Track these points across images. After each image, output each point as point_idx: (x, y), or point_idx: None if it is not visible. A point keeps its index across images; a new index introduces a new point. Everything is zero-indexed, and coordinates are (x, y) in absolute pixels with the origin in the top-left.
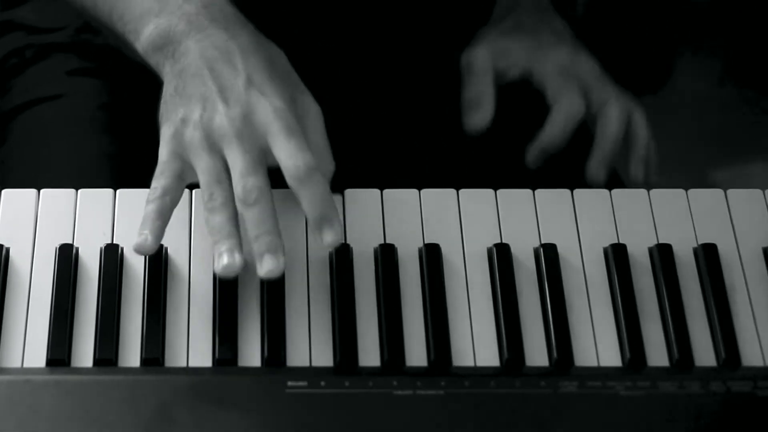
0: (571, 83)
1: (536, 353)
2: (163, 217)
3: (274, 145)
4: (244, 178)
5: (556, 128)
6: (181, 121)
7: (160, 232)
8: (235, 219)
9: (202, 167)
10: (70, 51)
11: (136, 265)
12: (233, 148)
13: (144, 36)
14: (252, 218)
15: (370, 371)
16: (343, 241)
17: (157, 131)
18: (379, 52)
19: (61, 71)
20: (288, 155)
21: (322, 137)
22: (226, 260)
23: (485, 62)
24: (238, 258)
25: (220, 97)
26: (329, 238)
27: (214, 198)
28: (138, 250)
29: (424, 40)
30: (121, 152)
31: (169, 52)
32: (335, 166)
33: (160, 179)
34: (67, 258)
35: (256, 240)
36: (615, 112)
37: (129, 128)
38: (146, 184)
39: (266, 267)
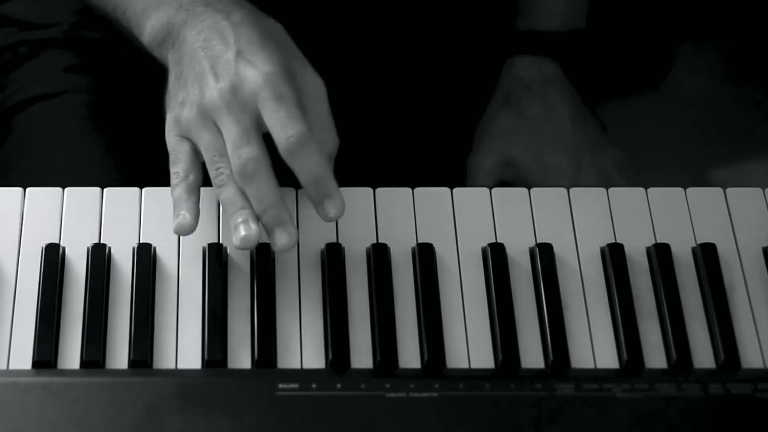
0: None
1: (532, 355)
2: (194, 195)
3: (264, 113)
4: (237, 150)
5: None
6: (180, 104)
7: (195, 207)
8: (242, 191)
9: (204, 144)
10: (66, 47)
11: (123, 265)
12: (224, 120)
13: (147, 32)
14: (253, 193)
15: (363, 373)
16: (339, 228)
17: (157, 126)
18: (372, 49)
19: (57, 68)
20: (278, 125)
21: (324, 111)
22: (243, 232)
23: (489, 175)
24: (254, 228)
25: (211, 72)
26: (332, 212)
27: (221, 171)
28: (179, 231)
29: (417, 37)
30: (121, 149)
31: (170, 44)
32: (339, 141)
33: (176, 165)
34: (53, 258)
35: (262, 215)
36: None
37: (129, 125)
38: (145, 182)
39: (279, 242)
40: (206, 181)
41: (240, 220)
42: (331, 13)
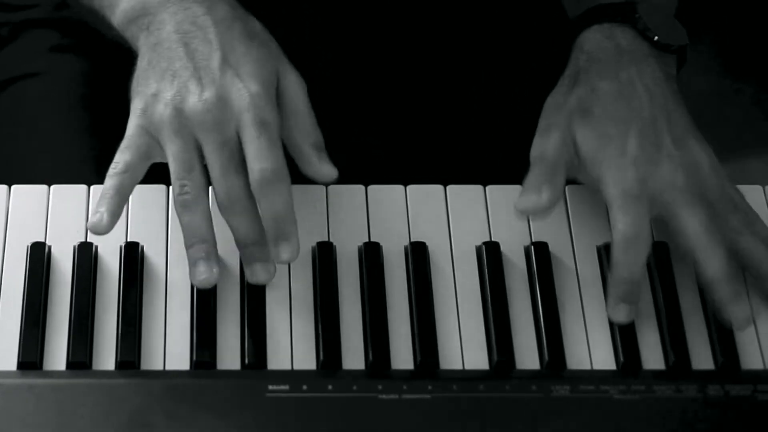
0: (627, 207)
1: (527, 356)
2: (121, 194)
3: (243, 136)
4: (225, 181)
5: (621, 272)
6: (152, 96)
7: (117, 209)
8: (209, 215)
9: (173, 152)
10: (49, 27)
11: (110, 265)
12: (208, 140)
13: (120, 9)
14: (235, 224)
15: (355, 374)
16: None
17: None
18: (366, 46)
19: (40, 48)
20: (256, 153)
21: (305, 108)
22: (204, 274)
23: (558, 152)
24: (215, 270)
25: (194, 76)
26: (285, 255)
27: (186, 191)
28: (92, 230)
29: (410, 34)
30: (105, 132)
31: (143, 24)
32: (322, 136)
33: (124, 153)
34: (39, 257)
35: (243, 249)
36: (701, 253)
37: (113, 107)
38: None
39: (257, 277)
40: None
41: (200, 256)
42: (330, 10)
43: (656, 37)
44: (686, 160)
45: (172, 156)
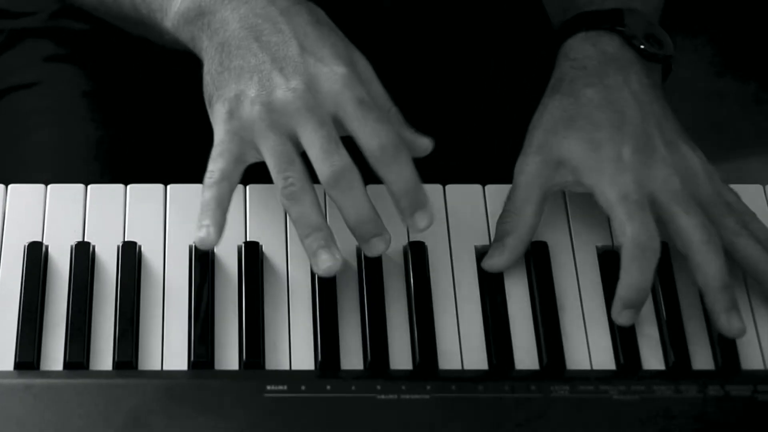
0: (633, 215)
1: (526, 356)
2: (222, 205)
3: (347, 118)
4: (329, 158)
5: (632, 279)
6: (236, 97)
7: (221, 221)
8: (318, 203)
9: (269, 147)
10: (45, 36)
11: (108, 264)
12: (304, 124)
13: (173, 11)
14: (349, 204)
15: (353, 375)
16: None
17: (144, 119)
18: (365, 45)
19: (36, 58)
20: (369, 133)
21: (379, 88)
22: (328, 262)
23: (532, 187)
24: (338, 255)
25: (275, 68)
26: (423, 223)
27: (291, 182)
28: (201, 245)
29: (410, 33)
30: (103, 142)
31: (204, 24)
32: (397, 109)
33: (217, 161)
34: (36, 256)
35: (357, 227)
36: (700, 255)
37: (111, 117)
38: (128, 176)
39: (376, 250)
40: (195, 177)
41: (320, 245)
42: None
43: (643, 46)
44: (680, 164)
45: (269, 151)
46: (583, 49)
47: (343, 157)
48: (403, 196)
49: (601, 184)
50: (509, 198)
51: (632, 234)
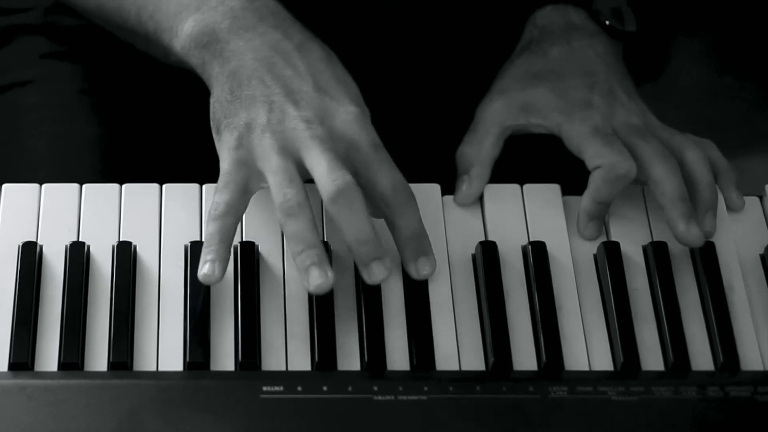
0: (610, 143)
1: (524, 357)
2: (227, 240)
3: (362, 160)
4: (333, 173)
5: (601, 194)
6: (246, 125)
7: (225, 254)
8: (314, 221)
9: (272, 167)
10: (39, 33)
11: (103, 264)
12: (313, 149)
13: (184, 33)
14: (350, 223)
15: (350, 375)
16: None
17: (140, 117)
18: (363, 44)
19: (31, 55)
20: (384, 176)
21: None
22: (318, 279)
23: (493, 122)
24: (330, 273)
25: (288, 100)
26: (426, 270)
27: (289, 198)
28: (205, 281)
29: (408, 32)
30: (100, 140)
31: (216, 51)
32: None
33: (223, 193)
34: (30, 256)
35: (356, 247)
36: (661, 169)
37: (107, 115)
38: (127, 175)
39: (375, 277)
40: (192, 176)
41: (312, 261)
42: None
43: (608, 22)
44: (639, 112)
45: (271, 170)
46: (551, 18)
47: (347, 176)
48: (409, 242)
49: (570, 122)
50: (470, 131)
51: (612, 160)
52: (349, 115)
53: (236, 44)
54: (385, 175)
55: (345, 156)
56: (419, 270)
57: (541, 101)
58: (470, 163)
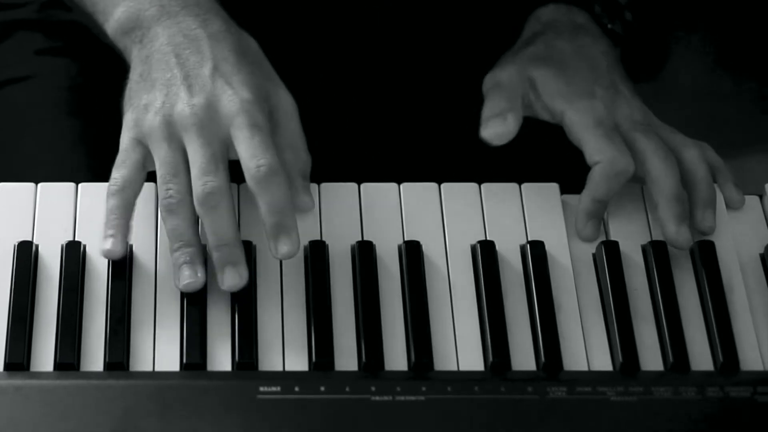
0: (611, 138)
1: (523, 357)
2: (126, 214)
3: (236, 139)
4: (204, 176)
5: (600, 191)
6: (144, 107)
7: (126, 230)
8: (194, 220)
9: (160, 157)
10: (36, 29)
11: (99, 264)
12: (193, 140)
13: (113, 18)
14: (211, 225)
15: (347, 375)
16: (298, 253)
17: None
18: (361, 43)
19: (27, 51)
20: (250, 153)
21: (296, 130)
22: (188, 278)
23: (514, 81)
24: (200, 273)
25: (184, 84)
26: (284, 249)
27: (171, 194)
28: (107, 256)
29: (405, 31)
30: (97, 137)
31: (137, 37)
32: (311, 159)
33: (120, 169)
34: (26, 256)
35: (216, 250)
36: (659, 165)
37: (103, 113)
38: None
39: (228, 282)
40: None
41: (185, 260)
42: (322, 9)
43: (610, 25)
44: (640, 108)
45: (159, 161)
46: (555, 15)
47: (219, 179)
48: (271, 217)
49: (574, 110)
50: (491, 98)
51: (611, 156)
52: (235, 97)
53: (155, 31)
54: (251, 153)
55: (226, 143)
56: (278, 248)
57: (547, 83)
58: (507, 109)
